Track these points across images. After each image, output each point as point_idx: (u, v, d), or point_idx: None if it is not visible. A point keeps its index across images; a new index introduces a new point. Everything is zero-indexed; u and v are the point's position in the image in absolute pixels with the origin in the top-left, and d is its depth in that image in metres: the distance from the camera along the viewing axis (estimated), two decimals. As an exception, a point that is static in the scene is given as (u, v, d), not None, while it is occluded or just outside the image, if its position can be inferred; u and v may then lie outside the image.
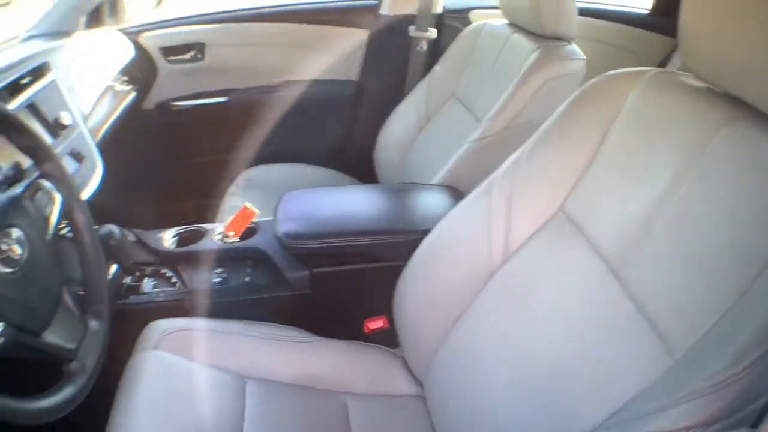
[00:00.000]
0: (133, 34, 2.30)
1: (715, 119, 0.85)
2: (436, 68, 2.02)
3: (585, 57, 1.61)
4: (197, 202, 2.08)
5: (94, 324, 1.13)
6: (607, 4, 2.40)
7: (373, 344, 1.37)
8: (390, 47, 2.38)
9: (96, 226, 1.24)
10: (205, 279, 1.51)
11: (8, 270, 0.95)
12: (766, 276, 0.69)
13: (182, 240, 1.61)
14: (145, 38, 2.35)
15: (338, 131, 2.52)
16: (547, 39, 1.64)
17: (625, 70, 1.05)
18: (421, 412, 1.22)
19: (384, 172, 2.09)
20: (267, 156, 2.29)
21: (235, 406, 1.15)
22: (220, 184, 2.10)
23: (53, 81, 1.59)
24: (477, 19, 2.24)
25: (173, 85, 2.43)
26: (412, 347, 1.26)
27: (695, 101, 0.90)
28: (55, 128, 1.50)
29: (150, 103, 2.43)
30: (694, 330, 0.74)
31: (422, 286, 1.24)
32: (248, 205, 1.59)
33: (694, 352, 0.73)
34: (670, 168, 0.87)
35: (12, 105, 1.38)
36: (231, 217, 1.59)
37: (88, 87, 1.81)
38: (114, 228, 1.44)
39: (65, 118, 1.52)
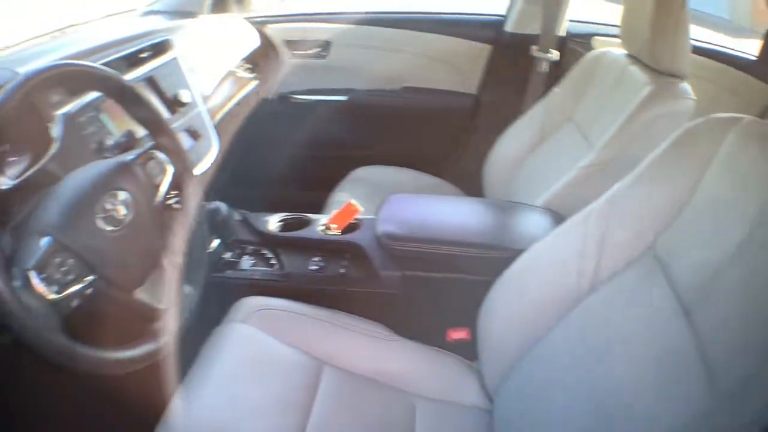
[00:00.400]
0: (259, 24, 2.39)
1: None
2: (556, 90, 2.00)
3: (695, 97, 1.56)
4: (305, 193, 2.13)
5: (186, 289, 1.19)
6: (717, 45, 2.32)
7: (452, 353, 1.37)
8: (511, 64, 2.37)
9: (204, 202, 1.31)
10: (303, 265, 1.56)
11: (109, 228, 1.02)
12: None
13: (286, 225, 1.67)
14: (271, 29, 2.44)
15: (451, 142, 2.52)
16: (662, 74, 1.60)
17: (725, 115, 1.03)
18: (486, 425, 1.21)
19: (491, 187, 2.08)
20: (378, 157, 2.32)
21: (308, 388, 1.18)
22: (329, 179, 2.15)
23: (174, 59, 1.68)
24: (599, 45, 2.20)
25: (295, 78, 2.50)
26: (489, 361, 1.26)
27: None
28: (174, 104, 1.58)
29: (271, 93, 2.52)
30: (743, 372, 0.74)
31: (509, 303, 1.24)
32: (353, 202, 1.63)
33: (741, 391, 0.73)
34: (749, 219, 0.87)
35: (129, 76, 1.46)
36: (335, 212, 1.64)
37: (210, 69, 1.89)
38: (221, 205, 1.52)
39: (184, 96, 1.60)
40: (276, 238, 1.63)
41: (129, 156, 1.13)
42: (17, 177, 1.05)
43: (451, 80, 2.47)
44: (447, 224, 1.55)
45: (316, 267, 1.55)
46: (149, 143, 1.21)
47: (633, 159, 1.14)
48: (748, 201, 0.89)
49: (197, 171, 1.53)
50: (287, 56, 2.48)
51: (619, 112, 1.57)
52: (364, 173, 2.21)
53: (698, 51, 1.95)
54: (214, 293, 1.30)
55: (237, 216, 1.66)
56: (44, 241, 0.94)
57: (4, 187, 0.99)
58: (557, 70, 2.24)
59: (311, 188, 2.17)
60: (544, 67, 2.28)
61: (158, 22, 1.88)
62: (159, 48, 1.65)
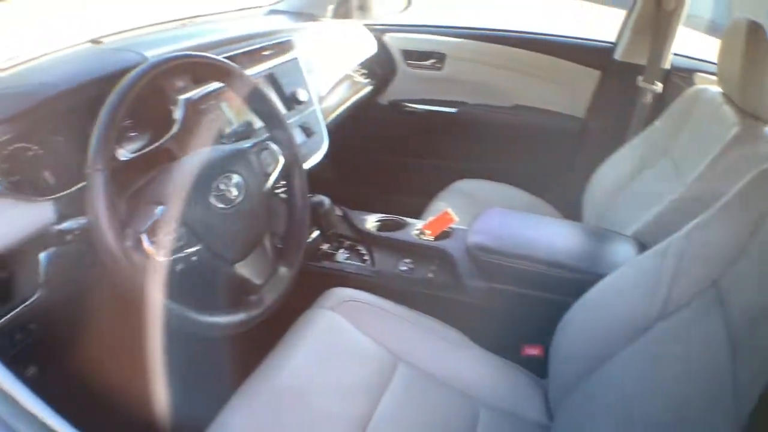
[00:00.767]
0: (378, 32, 2.50)
1: None
2: (657, 123, 1.98)
3: None
4: (404, 198, 2.20)
5: (283, 270, 1.28)
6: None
7: (523, 368, 1.40)
8: (618, 92, 2.36)
9: (309, 194, 1.40)
10: (393, 264, 1.64)
11: (220, 205, 1.13)
12: None
13: (383, 226, 1.75)
14: (389, 38, 2.54)
15: (554, 163, 2.53)
16: (750, 116, 1.57)
17: None
18: None
19: (588, 212, 2.08)
20: (481, 171, 2.35)
21: (381, 380, 1.24)
22: (428, 187, 2.19)
23: (295, 59, 1.79)
24: (701, 82, 2.15)
25: (409, 87, 2.59)
26: (555, 379, 1.28)
27: None
28: (291, 101, 1.69)
29: (384, 99, 2.62)
30: None
31: (583, 325, 1.26)
32: (450, 211, 1.69)
33: None
34: None
35: (251, 71, 1.57)
36: (432, 218, 1.70)
37: (328, 71, 1.99)
38: (325, 199, 1.62)
39: (301, 95, 1.71)
40: (372, 236, 1.71)
41: (245, 144, 1.25)
42: (136, 151, 1.17)
43: (559, 102, 2.49)
44: (536, 242, 1.57)
45: (406, 268, 1.62)
46: (265, 135, 1.31)
47: (717, 196, 1.14)
48: None
49: (306, 165, 1.63)
50: (403, 65, 2.57)
51: (709, 150, 1.56)
52: (466, 185, 2.24)
53: None
54: (307, 279, 1.39)
55: (338, 211, 1.76)
56: (159, 210, 1.05)
57: (122, 159, 1.12)
58: (660, 103, 2.22)
59: (411, 194, 2.23)
60: (648, 98, 2.27)
61: (282, 22, 1.99)
62: (281, 47, 1.76)
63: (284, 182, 1.34)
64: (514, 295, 1.54)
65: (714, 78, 1.76)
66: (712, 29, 3.37)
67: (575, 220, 1.98)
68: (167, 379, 1.26)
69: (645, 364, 1.05)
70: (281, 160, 1.29)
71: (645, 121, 2.20)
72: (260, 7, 2.20)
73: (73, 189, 1.10)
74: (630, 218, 1.69)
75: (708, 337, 0.96)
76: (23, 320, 1.07)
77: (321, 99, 1.86)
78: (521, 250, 1.54)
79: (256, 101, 1.29)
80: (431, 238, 1.67)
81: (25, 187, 1.04)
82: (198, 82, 1.38)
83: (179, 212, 1.06)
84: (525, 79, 2.50)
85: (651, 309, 1.08)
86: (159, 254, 1.03)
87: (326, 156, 1.80)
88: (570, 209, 2.16)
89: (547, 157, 2.50)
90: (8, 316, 1.04)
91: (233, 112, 1.47)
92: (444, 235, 1.68)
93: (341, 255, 1.68)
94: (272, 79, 1.67)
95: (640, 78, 2.27)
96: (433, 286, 1.60)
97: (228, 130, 1.40)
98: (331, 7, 2.21)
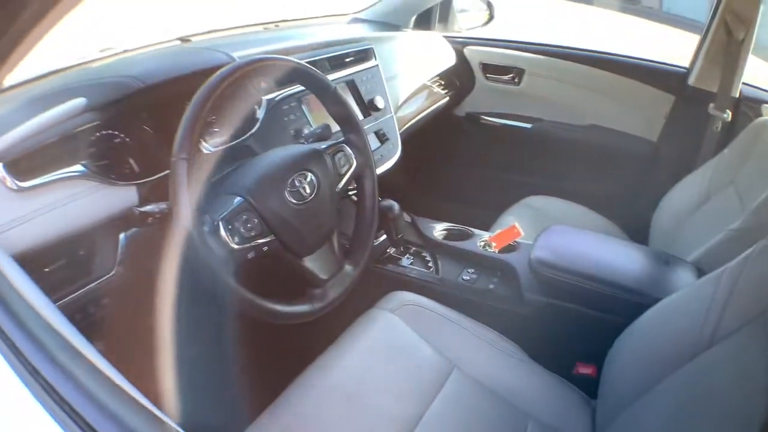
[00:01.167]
0: (458, 44, 2.53)
1: None
2: (725, 151, 1.96)
3: None
4: (472, 209, 2.23)
5: (348, 269, 1.33)
6: None
7: (574, 387, 1.40)
8: (691, 118, 2.32)
9: (380, 198, 1.45)
10: (456, 273, 1.68)
11: (294, 201, 1.18)
12: None
13: (449, 235, 1.79)
14: (468, 51, 2.57)
15: (626, 185, 2.50)
16: None
17: None
18: None
19: (655, 235, 2.06)
20: (552, 188, 2.36)
21: (435, 384, 1.27)
22: (498, 201, 2.21)
23: (375, 66, 1.84)
24: None
25: (485, 100, 2.62)
26: (603, 400, 1.28)
27: None
28: (368, 108, 1.75)
29: (461, 110, 2.65)
30: None
31: (636, 347, 1.26)
32: (517, 225, 1.71)
33: None
34: None
35: (332, 76, 1.63)
36: (498, 231, 1.73)
37: (407, 81, 2.04)
38: (395, 204, 1.66)
39: (379, 102, 1.77)
40: (438, 244, 1.75)
41: (322, 145, 1.30)
42: (218, 146, 1.25)
43: (633, 124, 2.46)
44: (597, 262, 1.57)
45: (468, 278, 1.65)
46: (341, 138, 1.36)
47: None
48: None
49: (379, 170, 1.68)
50: (481, 78, 2.59)
51: None
52: (536, 201, 2.25)
53: None
54: (371, 280, 1.44)
55: (406, 217, 1.80)
56: (236, 200, 1.12)
57: (206, 151, 1.20)
58: (730, 131, 2.19)
59: (480, 206, 2.26)
60: (718, 126, 2.24)
61: (364, 31, 2.05)
62: (362, 55, 1.82)
63: (356, 184, 1.39)
64: (572, 312, 1.54)
65: None
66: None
67: (642, 243, 1.97)
68: (227, 366, 1.33)
69: (689, 392, 1.05)
70: (354, 163, 1.34)
71: (715, 149, 2.18)
72: (344, 14, 2.27)
73: (156, 177, 1.18)
74: (693, 244, 1.67)
75: (750, 368, 0.96)
76: (97, 295, 1.15)
77: (398, 107, 1.91)
78: (581, 268, 1.55)
79: (335, 105, 1.34)
80: (496, 250, 1.70)
81: (111, 172, 1.12)
82: (281, 83, 1.45)
83: (255, 204, 1.13)
84: (601, 99, 2.49)
85: (702, 336, 1.07)
86: (233, 241, 1.10)
87: (399, 162, 1.84)
88: (637, 232, 2.14)
89: (618, 178, 2.48)
90: (85, 288, 1.12)
91: (312, 114, 1.54)
92: (509, 248, 1.71)
93: (406, 260, 1.72)
94: (352, 85, 1.73)
95: (711, 105, 2.24)
96: (493, 297, 1.62)
97: (306, 131, 1.47)
98: (413, 18, 2.26)
